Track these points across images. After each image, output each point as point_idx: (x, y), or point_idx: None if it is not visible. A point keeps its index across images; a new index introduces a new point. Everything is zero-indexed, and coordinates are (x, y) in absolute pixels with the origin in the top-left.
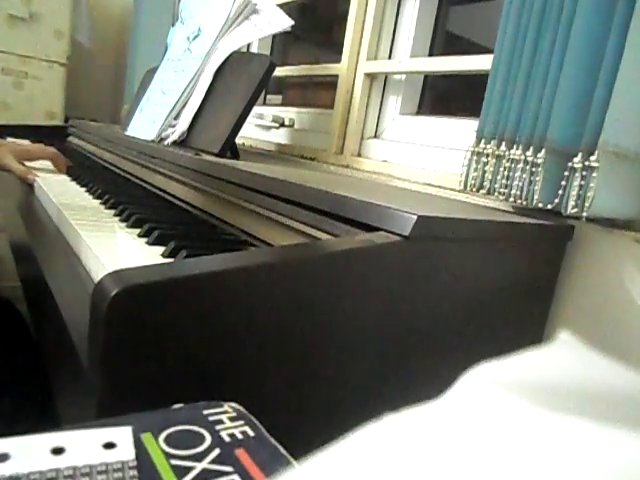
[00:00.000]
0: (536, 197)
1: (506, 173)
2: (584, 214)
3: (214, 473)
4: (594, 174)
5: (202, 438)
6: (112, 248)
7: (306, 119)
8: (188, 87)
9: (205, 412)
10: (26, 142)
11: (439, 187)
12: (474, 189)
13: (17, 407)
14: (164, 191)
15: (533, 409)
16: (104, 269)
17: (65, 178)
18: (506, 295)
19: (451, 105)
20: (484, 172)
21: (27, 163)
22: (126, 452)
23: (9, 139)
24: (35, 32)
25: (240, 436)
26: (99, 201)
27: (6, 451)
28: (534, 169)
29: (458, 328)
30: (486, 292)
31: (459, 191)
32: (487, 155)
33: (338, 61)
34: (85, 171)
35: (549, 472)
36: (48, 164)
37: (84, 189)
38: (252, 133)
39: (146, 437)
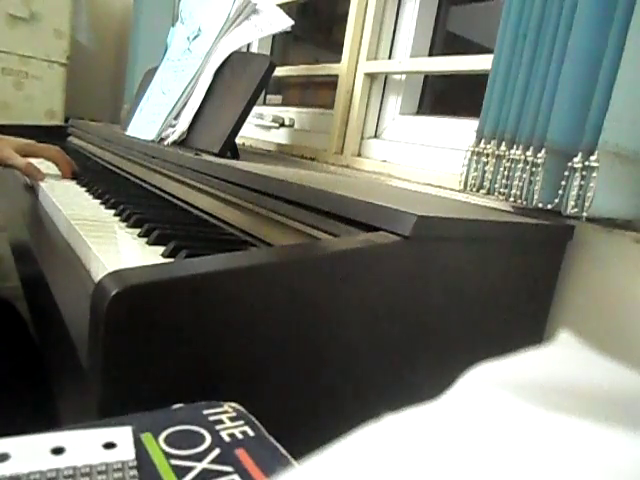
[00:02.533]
0: (536, 197)
1: (506, 173)
2: (584, 214)
3: (214, 473)
4: (594, 174)
5: (202, 438)
6: (112, 248)
7: (306, 119)
8: (188, 87)
9: (205, 412)
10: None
11: (439, 187)
12: (474, 189)
13: (17, 407)
14: (164, 191)
15: (533, 409)
16: (104, 269)
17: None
18: (506, 295)
19: (451, 105)
20: (484, 172)
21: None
22: (126, 452)
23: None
24: (35, 32)
25: (240, 436)
26: (99, 201)
27: (6, 451)
28: (534, 169)
29: (458, 328)
30: (486, 292)
31: (459, 191)
32: (487, 155)
33: (338, 61)
34: (85, 171)
35: (548, 472)
36: (53, 167)
37: (84, 189)
38: (252, 133)
39: (146, 437)
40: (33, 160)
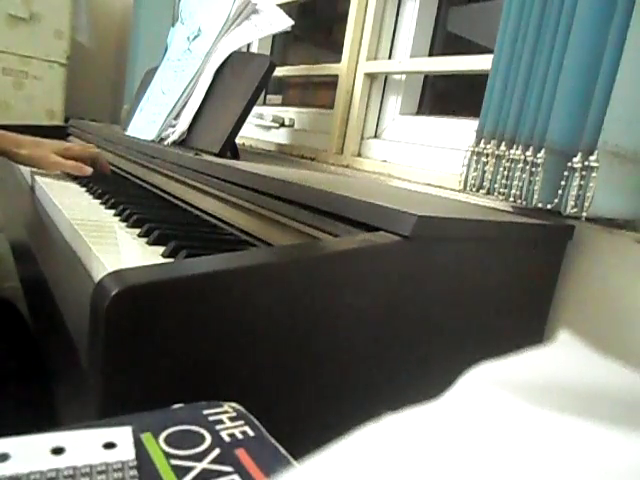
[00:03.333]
0: (536, 197)
1: (506, 173)
2: (584, 214)
3: (214, 473)
4: (594, 174)
5: (202, 438)
6: (112, 248)
7: (306, 119)
8: (188, 87)
9: (205, 412)
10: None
11: (439, 187)
12: (474, 189)
13: (17, 407)
14: (164, 191)
15: (533, 409)
16: (104, 269)
17: (65, 178)
18: (506, 295)
19: (451, 105)
20: (484, 172)
21: None
22: (126, 452)
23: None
24: (35, 32)
25: (240, 436)
26: (99, 201)
27: (6, 451)
28: (534, 169)
29: (458, 328)
30: (486, 292)
31: (459, 191)
32: (487, 155)
33: (338, 61)
34: None
35: (548, 472)
36: None
37: (84, 189)
38: (252, 133)
39: (146, 437)
40: None
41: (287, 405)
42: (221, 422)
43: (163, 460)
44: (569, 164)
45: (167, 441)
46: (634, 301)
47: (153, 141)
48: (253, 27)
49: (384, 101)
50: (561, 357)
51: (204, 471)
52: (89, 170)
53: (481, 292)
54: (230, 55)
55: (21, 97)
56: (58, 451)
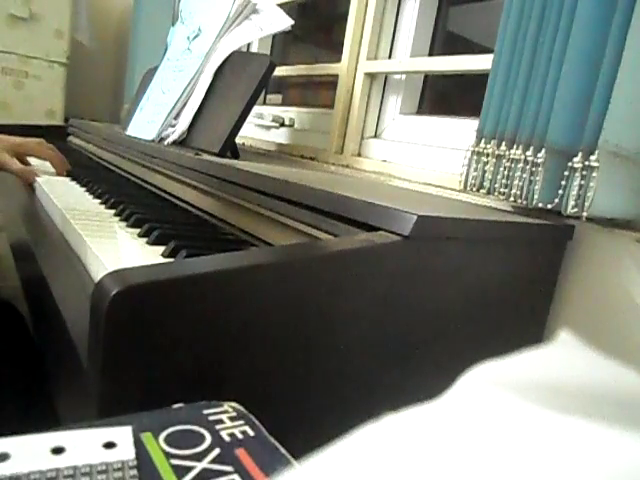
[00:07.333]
0: (536, 197)
1: (506, 173)
2: (584, 214)
3: (214, 473)
4: (594, 174)
5: (202, 438)
6: (112, 248)
7: (306, 119)
8: (188, 87)
9: (205, 412)
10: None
11: (439, 187)
12: (474, 189)
13: (17, 407)
14: (164, 191)
15: (533, 409)
16: (104, 269)
17: (65, 178)
18: (506, 295)
19: (451, 105)
20: (484, 172)
21: (29, 160)
22: (126, 452)
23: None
24: (35, 32)
25: (240, 436)
26: (99, 201)
27: (6, 451)
28: (534, 169)
29: (458, 328)
30: (486, 292)
31: (459, 191)
32: (487, 155)
33: (338, 61)
34: (85, 171)
35: (549, 472)
36: (48, 165)
37: (84, 189)
38: (252, 133)
39: (146, 437)
40: (29, 159)
41: (287, 405)
42: (221, 422)
43: (163, 460)
44: (569, 164)
45: (167, 441)
46: (634, 301)
47: (153, 141)
48: (253, 27)
49: (384, 101)
50: (561, 357)
51: (204, 471)
52: (33, 178)
53: (481, 292)
54: (230, 55)
55: (21, 97)
56: (58, 451)
